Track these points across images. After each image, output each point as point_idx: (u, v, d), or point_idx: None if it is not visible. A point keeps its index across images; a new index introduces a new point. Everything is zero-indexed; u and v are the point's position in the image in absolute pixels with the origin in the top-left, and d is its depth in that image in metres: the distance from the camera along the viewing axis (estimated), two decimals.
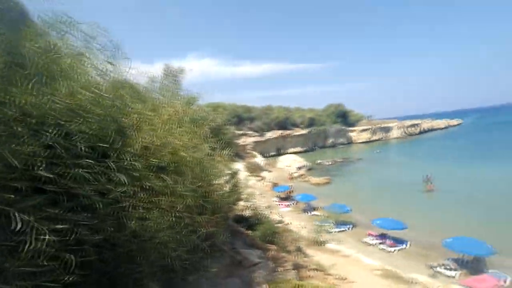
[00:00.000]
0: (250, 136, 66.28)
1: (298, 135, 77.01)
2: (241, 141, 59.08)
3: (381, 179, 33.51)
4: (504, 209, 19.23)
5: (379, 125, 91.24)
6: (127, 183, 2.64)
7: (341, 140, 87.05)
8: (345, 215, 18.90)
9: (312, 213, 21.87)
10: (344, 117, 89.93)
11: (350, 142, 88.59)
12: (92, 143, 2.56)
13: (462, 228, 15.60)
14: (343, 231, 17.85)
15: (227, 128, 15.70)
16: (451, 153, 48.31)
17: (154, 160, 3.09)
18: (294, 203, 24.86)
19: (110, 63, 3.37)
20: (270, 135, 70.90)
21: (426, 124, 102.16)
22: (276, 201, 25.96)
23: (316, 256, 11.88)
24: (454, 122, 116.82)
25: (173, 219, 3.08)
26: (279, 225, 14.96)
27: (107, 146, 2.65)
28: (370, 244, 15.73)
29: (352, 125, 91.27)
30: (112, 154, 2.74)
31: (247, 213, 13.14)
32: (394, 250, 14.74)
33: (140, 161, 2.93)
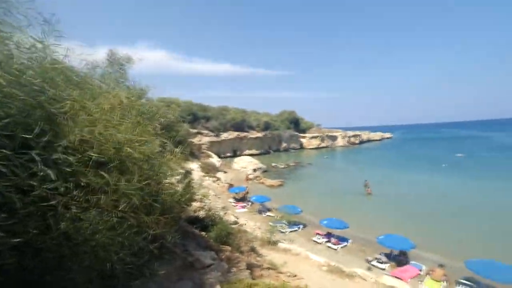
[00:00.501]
0: (205, 136, 64.84)
1: (254, 138, 78.28)
2: (196, 140, 57.35)
3: (328, 183, 36.29)
4: (424, 210, 22.69)
5: (327, 134, 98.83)
6: (56, 179, 2.20)
7: (293, 145, 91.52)
8: (297, 215, 19.80)
9: (267, 214, 22.28)
10: (296, 124, 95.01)
11: (301, 148, 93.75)
12: (9, 131, 2.13)
13: (392, 226, 17.80)
14: (294, 231, 18.58)
15: (180, 125, 14.91)
16: (385, 161, 55.58)
17: (93, 154, 2.65)
18: (250, 204, 25.02)
19: (38, 40, 2.76)
20: (226, 135, 70.45)
21: (365, 135, 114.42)
22: (232, 202, 25.70)
23: (269, 255, 12.04)
24: (387, 135, 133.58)
25: (115, 219, 2.73)
26: (234, 226, 14.77)
27: (30, 136, 2.20)
28: (318, 243, 16.69)
29: (303, 131, 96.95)
30: (37, 145, 2.24)
31: (201, 214, 12.63)
32: (338, 247, 15.94)
33: (75, 155, 2.47)
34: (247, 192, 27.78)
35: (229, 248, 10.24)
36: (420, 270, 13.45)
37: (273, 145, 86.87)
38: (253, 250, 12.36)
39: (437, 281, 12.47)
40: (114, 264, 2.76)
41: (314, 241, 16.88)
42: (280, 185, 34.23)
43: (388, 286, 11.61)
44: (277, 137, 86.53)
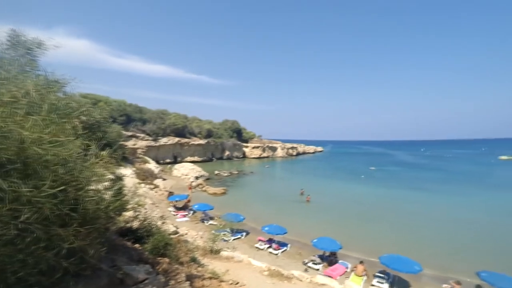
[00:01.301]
0: (142, 140, 59.29)
1: (197, 145, 75.58)
2: (130, 143, 51.85)
3: (269, 191, 37.50)
4: (349, 214, 25.55)
5: (267, 144, 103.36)
6: None
7: (236, 153, 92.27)
8: (240, 223, 19.53)
9: (209, 222, 21.27)
10: (239, 133, 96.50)
11: (244, 157, 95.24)
12: None
13: (324, 230, 19.31)
14: (238, 238, 18.29)
15: (109, 126, 13.06)
16: (317, 172, 61.29)
17: None
18: (192, 213, 23.51)
19: None
20: (165, 140, 65.93)
21: (301, 148, 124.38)
22: (172, 211, 23.64)
23: (212, 264, 11.30)
24: (319, 149, 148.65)
25: (14, 232, 2.20)
26: (174, 236, 13.43)
27: None
28: (261, 249, 16.75)
29: (246, 141, 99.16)
30: None
31: (135, 224, 11.02)
32: (279, 252, 16.32)
33: None
34: (189, 200, 26.10)
35: (167, 260, 9.19)
36: (347, 268, 14.81)
37: (216, 153, 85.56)
38: (194, 260, 11.43)
39: (359, 276, 13.89)
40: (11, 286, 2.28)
41: (257, 247, 16.87)
42: (223, 193, 33.50)
43: (320, 284, 12.31)
44: (220, 145, 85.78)
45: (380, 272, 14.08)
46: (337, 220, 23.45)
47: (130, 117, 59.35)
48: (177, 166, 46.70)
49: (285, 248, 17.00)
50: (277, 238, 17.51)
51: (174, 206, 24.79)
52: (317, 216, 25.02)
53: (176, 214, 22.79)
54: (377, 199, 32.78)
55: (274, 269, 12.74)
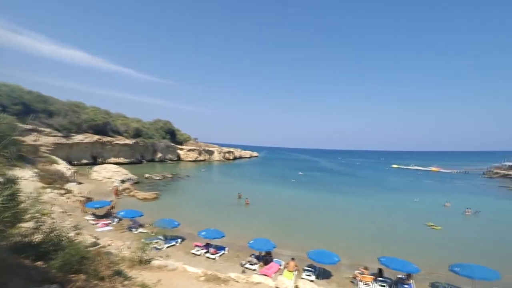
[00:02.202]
0: (47, 135, 48.90)
1: (122, 144, 67.19)
2: (31, 139, 42.13)
3: (206, 195, 36.43)
4: (281, 215, 27.27)
5: (204, 148, 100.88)
6: None
7: (170, 156, 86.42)
8: (174, 229, 18.13)
9: (139, 230, 18.95)
10: (172, 135, 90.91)
11: (179, 159, 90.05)
12: None
13: (260, 231, 20.02)
14: (172, 245, 16.95)
15: None
16: (254, 176, 63.55)
17: None
18: (116, 221, 20.44)
19: None
20: (81, 138, 56.26)
21: (238, 152, 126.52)
22: (91, 219, 19.95)
23: (141, 276, 10.07)
24: (255, 154, 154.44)
25: None
26: (93, 248, 11.39)
27: None
28: (197, 254, 15.93)
29: (180, 143, 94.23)
30: None
31: (37, 238, 8.92)
32: (216, 256, 15.87)
33: None
34: (113, 207, 22.71)
35: (82, 276, 7.71)
36: (280, 265, 15.70)
37: (146, 154, 77.96)
38: (119, 273, 9.97)
39: (291, 271, 14.92)
40: None
41: (193, 253, 15.98)
42: (155, 198, 30.59)
43: (256, 283, 12.66)
44: (152, 146, 78.74)
45: (308, 266, 15.48)
46: (271, 222, 24.70)
47: (30, 107, 47.87)
48: (97, 168, 40.19)
49: (222, 251, 16.74)
50: (214, 242, 17.08)
51: (94, 214, 21.10)
52: (253, 218, 25.74)
53: (96, 223, 19.42)
54: (305, 201, 36.24)
55: (211, 274, 12.38)
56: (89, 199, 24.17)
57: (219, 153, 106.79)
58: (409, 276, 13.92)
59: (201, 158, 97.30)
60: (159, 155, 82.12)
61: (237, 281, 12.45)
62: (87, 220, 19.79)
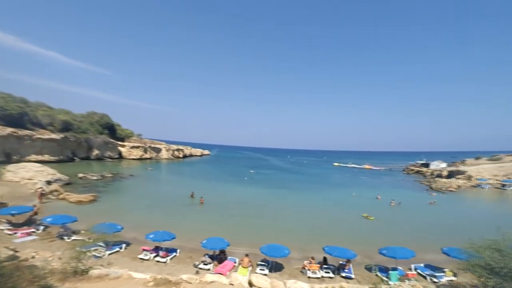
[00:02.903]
0: None
1: (47, 139, 57.47)
2: None
3: (154, 195, 34.02)
4: (235, 213, 27.46)
5: (150, 145, 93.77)
6: None
7: (109, 153, 77.68)
8: (117, 234, 16.36)
9: (72, 238, 16.50)
10: (111, 130, 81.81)
11: (120, 157, 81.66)
12: None
13: (214, 231, 19.80)
14: (116, 251, 15.32)
15: None
16: (206, 174, 62.22)
17: None
18: (42, 229, 17.34)
19: None
20: None
21: (188, 150, 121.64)
22: (6, 229, 16.42)
23: None
24: (206, 152, 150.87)
25: None
26: (9, 262, 9.58)
27: None
28: (146, 259, 14.77)
29: (122, 139, 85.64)
30: None
31: None
32: (167, 259, 15.02)
33: None
34: (36, 213, 19.22)
35: None
36: (235, 263, 15.87)
37: (79, 151, 68.37)
38: None
39: (245, 267, 15.26)
40: None
41: (141, 258, 14.76)
42: (92, 200, 27.05)
43: (209, 282, 12.56)
44: (86, 142, 69.43)
45: (261, 261, 16.05)
46: (225, 220, 24.67)
47: None
48: (12, 167, 33.34)
49: (174, 254, 15.97)
50: (164, 245, 16.16)
51: (10, 222, 17.47)
52: (206, 217, 25.23)
53: (15, 233, 16.14)
54: (257, 198, 37.30)
55: (160, 278, 11.76)
56: (2, 205, 19.87)
57: (167, 151, 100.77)
58: (348, 261, 15.79)
59: (147, 156, 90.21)
60: (96, 152, 72.96)
61: (190, 283, 12.12)
62: (2, 230, 16.29)
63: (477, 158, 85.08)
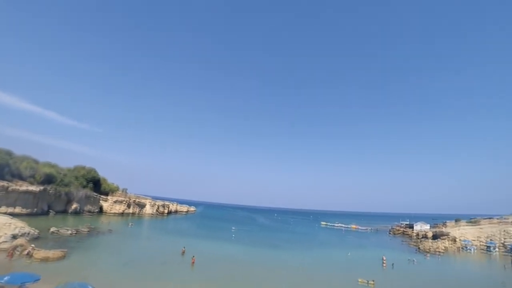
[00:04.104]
0: None
1: (23, 192, 52.69)
2: None
3: (132, 252, 29.76)
4: (226, 274, 23.96)
5: (134, 200, 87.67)
6: None
7: (90, 207, 71.17)
8: None
9: None
10: (96, 184, 77.04)
11: (101, 212, 74.73)
12: None
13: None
14: None
15: None
16: (193, 231, 57.33)
17: None
18: None
19: None
20: None
21: (173, 206, 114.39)
22: None
23: None
24: (192, 208, 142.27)
25: None
26: None
27: None
28: None
29: (106, 194, 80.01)
30: None
31: None
32: None
33: None
34: None
35: None
36: None
37: (56, 204, 62.38)
38: None
39: None
40: None
41: None
42: (61, 257, 23.01)
43: None
44: (65, 196, 64.18)
45: None
46: (211, 280, 21.36)
47: None
48: None
49: None
50: None
51: None
52: (192, 278, 21.79)
53: None
54: (246, 258, 33.56)
55: None
56: None
57: (152, 206, 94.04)
58: None
59: (130, 211, 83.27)
60: (75, 205, 66.76)
61: None
62: None
63: (456, 221, 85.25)
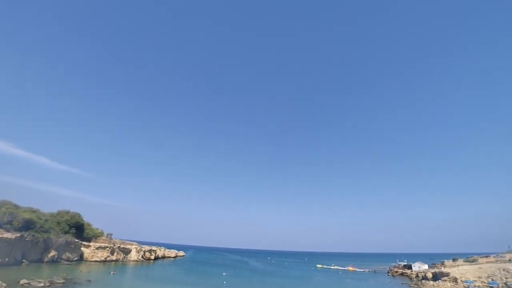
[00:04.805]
0: None
1: None
2: None
3: None
4: None
5: (119, 245, 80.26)
6: None
7: (68, 255, 64.28)
8: None
9: None
10: (79, 229, 71.07)
11: (81, 259, 67.36)
12: None
13: None
14: None
15: None
16: (181, 278, 51.75)
17: None
18: None
19: None
20: None
21: (161, 252, 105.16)
22: None
23: None
24: (181, 253, 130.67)
25: None
26: None
27: None
28: None
29: (89, 240, 73.22)
30: None
31: None
32: None
33: None
34: None
35: None
36: None
37: (31, 253, 56.12)
38: None
39: None
40: None
41: None
42: None
43: None
44: (43, 243, 58.29)
45: None
46: None
47: None
48: None
49: None
50: None
51: None
52: None
53: None
54: None
55: None
56: None
57: (137, 252, 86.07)
58: None
59: (113, 257, 75.54)
60: (52, 253, 60.18)
61: None
62: None
63: (454, 260, 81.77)
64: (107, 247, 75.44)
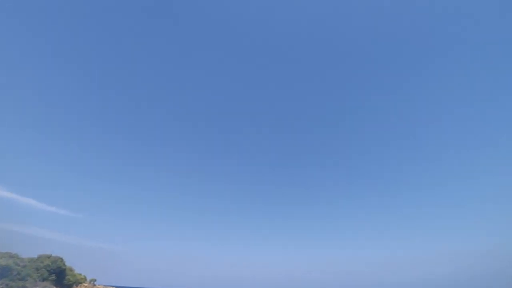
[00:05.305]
0: None
1: None
2: None
3: None
4: None
5: None
6: None
7: None
8: None
9: None
10: (60, 275, 68.20)
11: None
12: None
13: None
14: None
15: None
16: None
17: None
18: None
19: None
20: None
21: None
22: None
23: None
24: None
25: None
26: None
27: None
28: None
29: (70, 286, 70.06)
30: None
31: None
32: None
33: None
34: None
35: None
36: None
37: None
38: None
39: None
40: None
41: None
42: None
43: None
44: None
45: None
46: None
47: None
48: None
49: None
50: None
51: None
52: None
53: None
54: None
55: None
56: None
57: None
58: None
59: None
60: None
61: None
62: None
63: None
64: None
